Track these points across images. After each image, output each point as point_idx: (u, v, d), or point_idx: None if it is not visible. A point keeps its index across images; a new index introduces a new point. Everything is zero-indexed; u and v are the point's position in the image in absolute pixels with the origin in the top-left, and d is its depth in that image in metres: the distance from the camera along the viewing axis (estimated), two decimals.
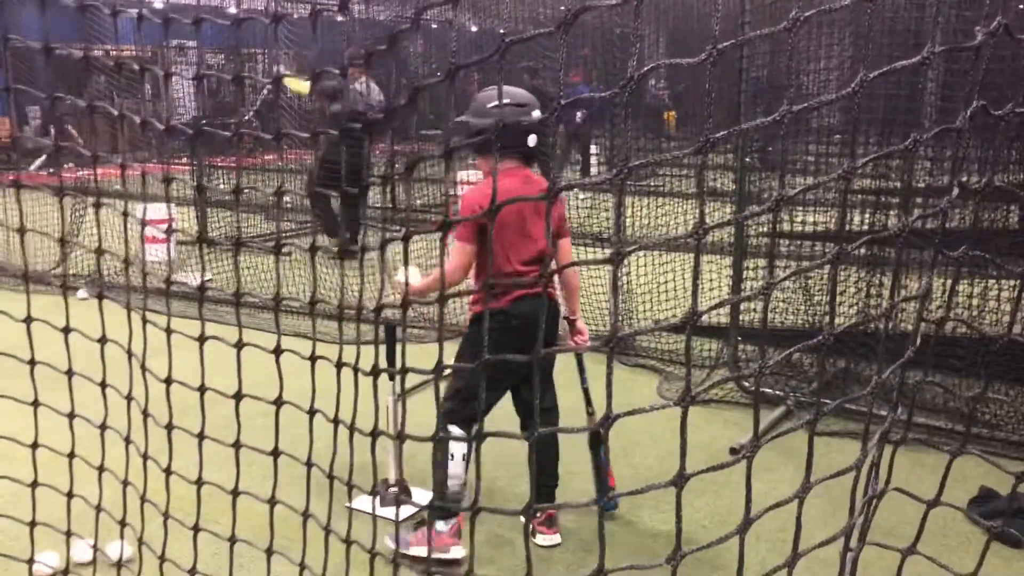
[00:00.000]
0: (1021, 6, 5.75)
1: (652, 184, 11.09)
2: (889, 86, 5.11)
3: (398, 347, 3.66)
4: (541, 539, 3.54)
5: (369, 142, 7.77)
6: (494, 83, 3.33)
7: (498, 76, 1.18)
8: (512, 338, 2.86)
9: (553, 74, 10.06)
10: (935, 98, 5.29)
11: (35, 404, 2.49)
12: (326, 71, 1.70)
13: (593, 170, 13.81)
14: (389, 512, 3.55)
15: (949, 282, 4.20)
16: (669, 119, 15.44)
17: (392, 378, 3.67)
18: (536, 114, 3.26)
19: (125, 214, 2.15)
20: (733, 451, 4.39)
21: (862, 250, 5.26)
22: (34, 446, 2.58)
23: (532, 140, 3.26)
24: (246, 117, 11.25)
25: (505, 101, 3.17)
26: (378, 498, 3.69)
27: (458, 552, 3.33)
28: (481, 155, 3.43)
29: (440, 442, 3.33)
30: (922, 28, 5.26)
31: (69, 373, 2.36)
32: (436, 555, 3.24)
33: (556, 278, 3.46)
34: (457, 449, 3.29)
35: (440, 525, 3.35)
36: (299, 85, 7.96)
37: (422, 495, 3.82)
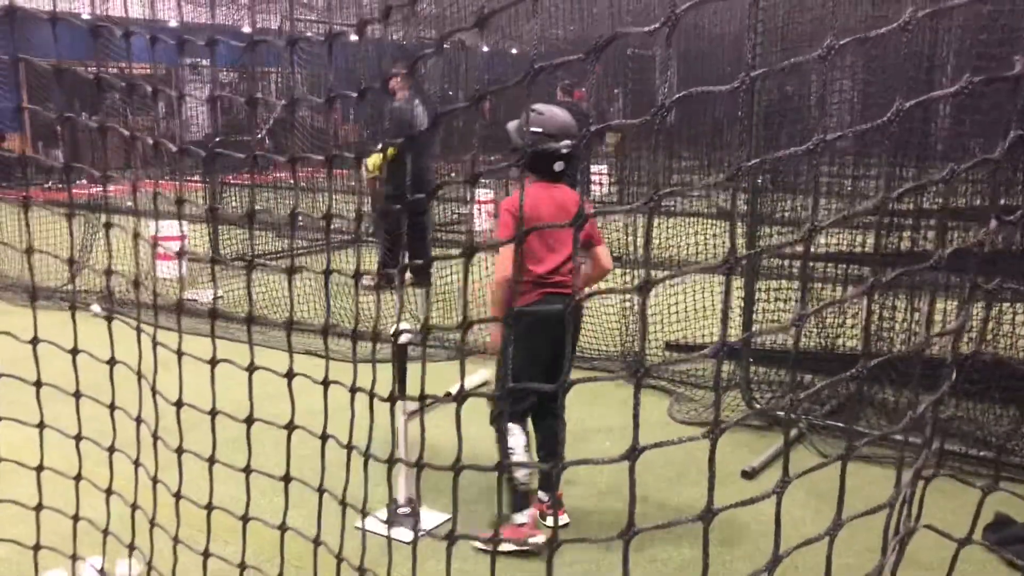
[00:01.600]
0: None
1: (663, 204, 11.07)
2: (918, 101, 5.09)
3: (414, 367, 3.66)
4: (551, 520, 3.80)
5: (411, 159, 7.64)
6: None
7: (526, 101, 1.17)
8: (542, 332, 3.38)
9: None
10: (947, 121, 5.28)
11: (40, 426, 2.47)
12: (373, 87, 1.68)
13: (605, 189, 13.82)
14: (400, 532, 3.53)
15: (968, 308, 4.16)
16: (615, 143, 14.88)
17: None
18: (566, 144, 3.55)
19: (136, 235, 2.14)
20: (745, 474, 4.35)
21: (876, 272, 5.22)
22: (39, 468, 2.56)
23: (558, 167, 3.63)
24: (259, 135, 11.29)
25: (538, 130, 3.58)
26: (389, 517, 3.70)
27: (540, 539, 3.59)
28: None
29: (500, 440, 3.50)
30: (935, 51, 5.25)
31: (77, 395, 2.34)
32: (520, 547, 3.60)
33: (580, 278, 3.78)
34: (517, 443, 3.58)
35: (519, 518, 3.63)
36: (374, 161, 7.75)
37: (432, 515, 3.80)
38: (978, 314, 3.90)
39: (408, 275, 7.63)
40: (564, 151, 3.57)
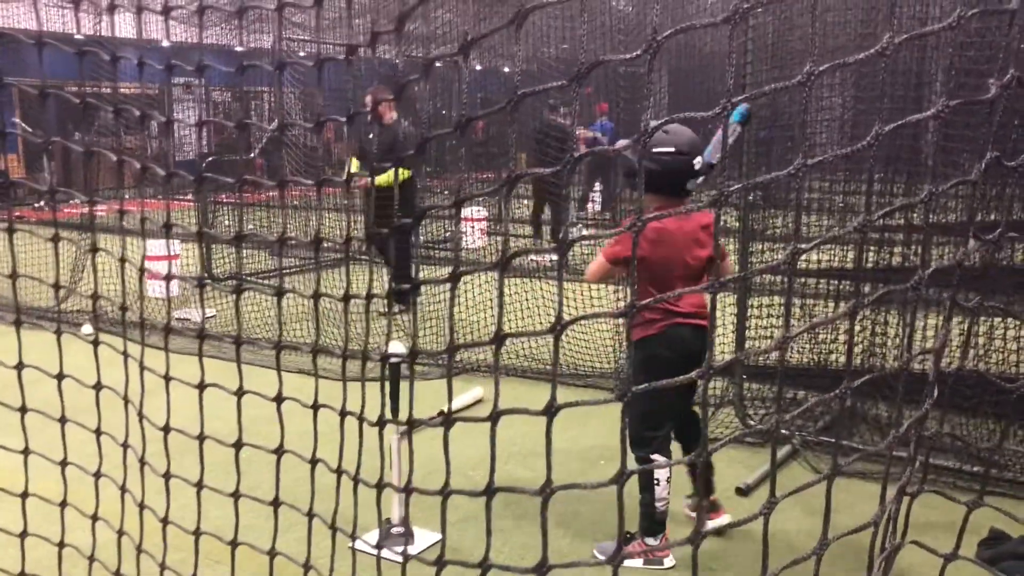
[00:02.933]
0: None
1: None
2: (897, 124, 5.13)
3: (404, 385, 3.65)
4: (711, 524, 3.82)
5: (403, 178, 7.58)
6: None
7: (509, 128, 1.18)
8: (671, 360, 3.32)
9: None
10: (936, 136, 5.32)
11: (26, 452, 2.46)
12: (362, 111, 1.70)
13: (598, 206, 13.85)
14: (392, 553, 3.51)
15: (953, 323, 4.17)
16: None
17: (396, 415, 3.67)
18: (698, 161, 3.50)
19: (123, 260, 2.14)
20: (739, 490, 4.34)
21: (867, 287, 5.26)
22: (24, 495, 2.54)
23: (691, 185, 3.54)
24: (252, 155, 11.32)
25: (670, 150, 3.48)
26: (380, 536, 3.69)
27: (670, 562, 3.66)
28: (646, 192, 3.69)
29: (643, 470, 3.51)
30: (924, 68, 5.30)
31: (62, 420, 2.34)
32: (652, 566, 3.64)
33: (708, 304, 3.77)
34: (661, 474, 3.61)
35: (651, 541, 3.66)
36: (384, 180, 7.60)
37: (426, 535, 3.79)
38: (963, 331, 3.93)
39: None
40: (697, 168, 3.49)
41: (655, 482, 3.59)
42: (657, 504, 3.61)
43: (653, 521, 3.63)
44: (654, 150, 3.51)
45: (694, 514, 3.95)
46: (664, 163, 3.45)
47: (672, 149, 3.49)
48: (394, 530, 3.72)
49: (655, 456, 3.59)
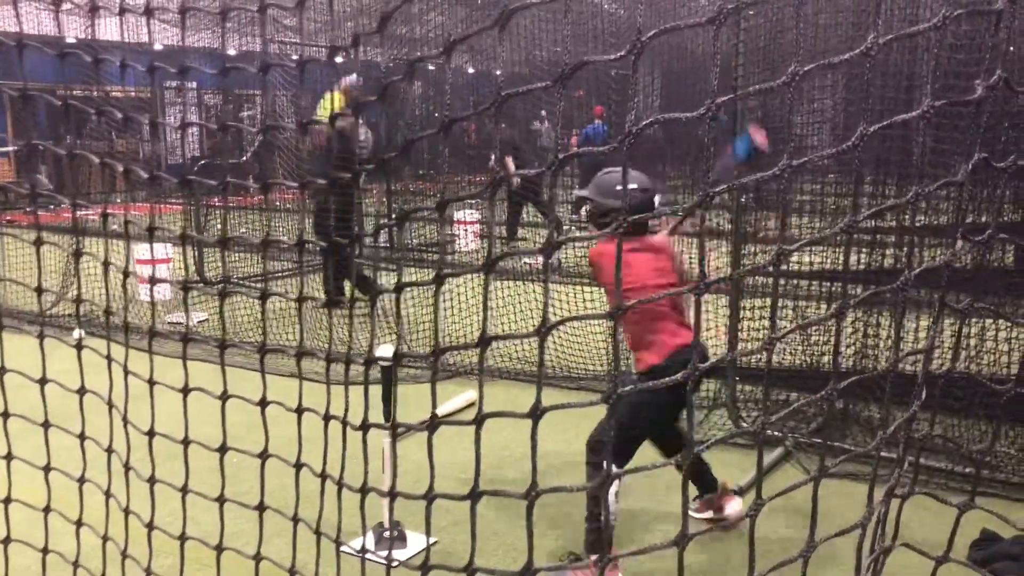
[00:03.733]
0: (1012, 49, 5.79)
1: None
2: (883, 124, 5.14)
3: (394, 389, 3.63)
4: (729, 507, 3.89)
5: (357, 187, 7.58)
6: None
7: (496, 127, 1.17)
8: (668, 391, 3.20)
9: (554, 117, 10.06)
10: (925, 137, 5.34)
11: (8, 457, 2.44)
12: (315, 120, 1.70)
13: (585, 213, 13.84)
14: (378, 557, 3.50)
15: (944, 324, 4.18)
16: None
17: (388, 419, 3.66)
18: (658, 198, 3.62)
19: (106, 264, 2.13)
20: (734, 492, 4.33)
21: (859, 288, 5.26)
22: (7, 501, 2.52)
23: (652, 223, 3.70)
24: (244, 158, 11.30)
25: (633, 186, 3.52)
26: (372, 540, 3.68)
27: None
28: (599, 226, 3.71)
29: (595, 482, 3.46)
30: (914, 71, 5.31)
31: (45, 425, 2.32)
32: None
33: (692, 317, 3.84)
34: (611, 489, 3.40)
35: (594, 558, 3.48)
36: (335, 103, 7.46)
37: (419, 539, 3.78)
38: (954, 332, 3.94)
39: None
40: (657, 204, 3.63)
41: (607, 495, 3.37)
42: (610, 519, 3.43)
43: (597, 536, 3.45)
44: (618, 187, 3.53)
45: (700, 515, 3.94)
46: (633, 199, 3.48)
47: (635, 186, 3.53)
48: (386, 534, 3.71)
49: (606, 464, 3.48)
